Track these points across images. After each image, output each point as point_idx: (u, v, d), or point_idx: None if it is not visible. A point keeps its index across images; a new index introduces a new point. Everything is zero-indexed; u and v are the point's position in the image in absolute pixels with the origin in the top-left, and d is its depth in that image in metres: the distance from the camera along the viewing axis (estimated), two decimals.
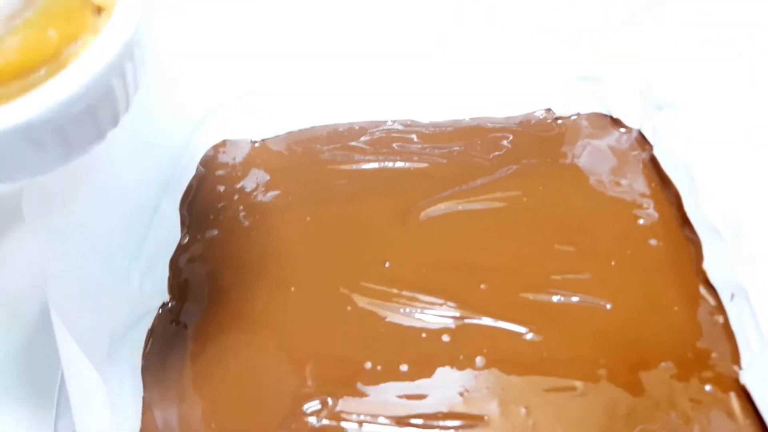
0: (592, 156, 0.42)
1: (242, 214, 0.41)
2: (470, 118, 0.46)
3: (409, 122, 0.47)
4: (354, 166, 0.44)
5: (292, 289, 0.36)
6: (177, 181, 0.41)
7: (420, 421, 0.30)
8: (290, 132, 0.47)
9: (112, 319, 0.31)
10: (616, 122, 0.44)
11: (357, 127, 0.47)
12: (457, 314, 0.34)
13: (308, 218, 0.40)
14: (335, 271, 0.37)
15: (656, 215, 0.38)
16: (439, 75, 0.45)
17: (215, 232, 0.40)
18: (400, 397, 0.31)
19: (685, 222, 0.36)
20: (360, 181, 0.43)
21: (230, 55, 0.44)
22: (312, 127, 0.47)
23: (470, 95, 0.46)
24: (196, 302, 0.36)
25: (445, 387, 0.31)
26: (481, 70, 0.44)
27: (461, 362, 0.32)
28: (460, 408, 0.30)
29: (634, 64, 0.41)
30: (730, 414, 0.29)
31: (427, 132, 0.46)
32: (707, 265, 0.34)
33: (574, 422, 0.29)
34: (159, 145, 0.40)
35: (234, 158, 0.45)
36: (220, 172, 0.44)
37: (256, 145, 0.47)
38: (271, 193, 0.42)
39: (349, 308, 0.35)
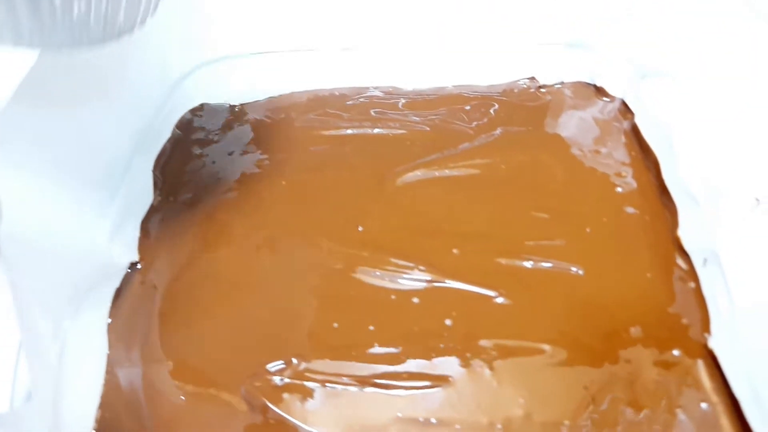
0: (574, 125, 0.42)
1: (217, 177, 0.41)
2: (453, 86, 0.46)
3: (391, 89, 0.46)
4: (333, 132, 0.43)
5: (264, 251, 0.36)
6: (152, 141, 0.41)
7: (384, 381, 0.30)
8: (270, 98, 0.47)
9: (74, 272, 0.30)
10: (600, 91, 0.43)
11: (338, 94, 0.46)
12: (428, 278, 0.33)
13: (283, 182, 0.40)
14: (308, 233, 0.36)
15: (634, 183, 0.37)
16: (423, 42, 0.45)
17: (189, 195, 0.40)
18: (366, 357, 0.30)
19: (662, 190, 0.36)
20: (338, 146, 0.42)
21: (211, 17, 0.44)
22: (292, 93, 0.47)
23: (454, 62, 0.45)
24: (166, 263, 0.36)
25: (411, 348, 0.31)
26: (465, 37, 0.44)
27: (429, 324, 0.31)
28: (426, 368, 0.30)
29: (619, 31, 0.40)
30: (697, 379, 0.28)
31: (409, 99, 0.45)
32: (682, 232, 0.33)
33: (540, 385, 0.29)
34: (134, 103, 0.39)
35: (211, 122, 0.45)
36: (196, 136, 0.43)
37: (236, 109, 0.46)
38: (247, 157, 0.42)
39: (320, 270, 0.34)
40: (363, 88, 0.46)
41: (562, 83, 0.44)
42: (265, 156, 0.42)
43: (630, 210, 0.36)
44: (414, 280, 0.33)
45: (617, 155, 0.39)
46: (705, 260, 0.31)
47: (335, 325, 0.32)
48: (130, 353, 0.32)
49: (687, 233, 0.33)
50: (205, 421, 0.29)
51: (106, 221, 0.34)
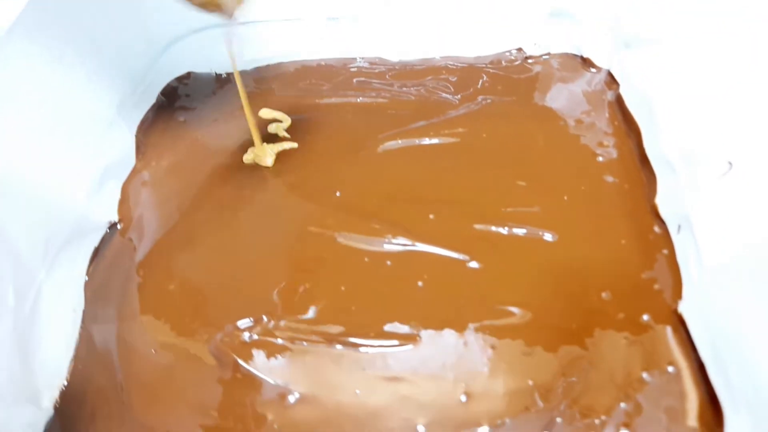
0: (561, 97, 0.41)
1: (200, 143, 0.41)
2: (441, 57, 0.46)
3: (377, 60, 0.46)
4: (317, 101, 0.43)
5: (240, 213, 0.36)
6: (137, 106, 0.41)
7: (352, 340, 0.30)
8: (257, 67, 0.47)
9: (50, 225, 0.31)
10: (586, 62, 0.42)
11: (324, 64, 0.46)
12: (403, 242, 0.33)
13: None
14: (285, 196, 0.36)
15: (615, 153, 0.37)
16: (410, 13, 0.44)
17: (170, 159, 0.40)
18: (335, 316, 0.31)
19: (643, 159, 0.35)
20: (321, 115, 0.42)
21: None
22: (279, 64, 0.47)
23: (440, 33, 0.45)
24: (145, 224, 0.36)
25: (381, 308, 0.31)
26: (451, 8, 0.43)
27: (400, 285, 0.31)
28: (394, 328, 0.30)
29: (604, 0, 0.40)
30: (665, 343, 0.28)
31: (395, 70, 0.45)
32: (660, 200, 0.33)
33: (506, 346, 0.29)
34: (121, 65, 0.39)
35: (197, 90, 0.45)
36: (180, 103, 0.44)
37: (222, 78, 0.46)
38: (230, 125, 0.42)
39: (295, 232, 0.35)
40: (350, 59, 0.46)
41: (549, 54, 0.44)
42: (249, 124, 0.42)
43: (609, 179, 0.35)
44: (388, 243, 0.33)
45: (600, 125, 0.38)
46: (679, 227, 0.31)
47: (306, 285, 0.32)
48: (105, 310, 0.33)
49: (664, 201, 0.33)
50: (175, 374, 0.30)
51: (86, 179, 0.35)
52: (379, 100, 0.42)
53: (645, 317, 0.29)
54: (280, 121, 0.42)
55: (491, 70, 0.44)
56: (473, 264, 0.32)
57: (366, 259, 0.33)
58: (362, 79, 0.44)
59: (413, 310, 0.31)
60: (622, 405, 0.27)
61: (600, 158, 0.37)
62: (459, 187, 0.36)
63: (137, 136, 0.40)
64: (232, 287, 0.33)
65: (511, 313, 0.30)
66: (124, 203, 0.37)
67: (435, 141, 0.39)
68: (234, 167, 0.39)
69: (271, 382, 0.29)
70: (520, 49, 0.44)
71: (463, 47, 0.45)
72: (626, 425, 0.26)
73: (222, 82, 0.45)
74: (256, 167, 0.39)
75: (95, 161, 0.36)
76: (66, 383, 0.30)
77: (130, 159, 0.39)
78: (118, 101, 0.38)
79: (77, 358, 0.31)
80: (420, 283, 0.32)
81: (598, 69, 0.42)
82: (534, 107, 0.41)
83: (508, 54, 0.45)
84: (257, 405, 0.28)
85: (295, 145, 0.40)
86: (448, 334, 0.30)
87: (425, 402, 0.28)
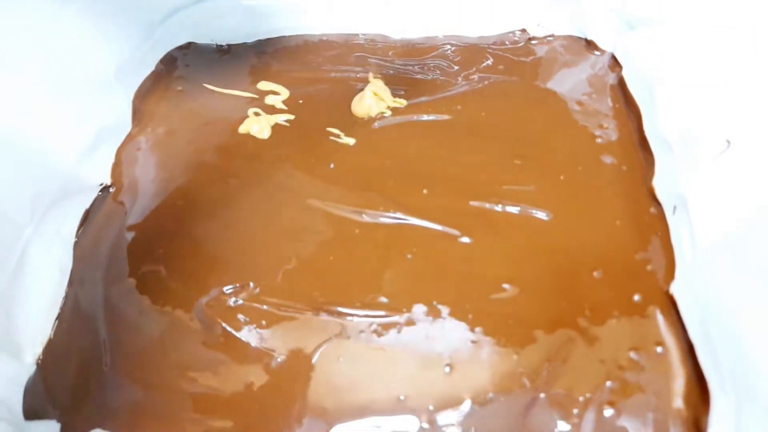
0: (562, 79, 0.41)
1: (196, 113, 0.41)
2: (443, 36, 0.45)
3: (379, 37, 0.45)
4: (317, 75, 0.43)
5: (233, 182, 0.36)
6: (136, 73, 0.41)
7: (339, 309, 0.29)
8: (259, 40, 0.46)
9: (40, 182, 0.31)
10: (590, 44, 0.42)
11: (326, 39, 0.46)
12: (395, 215, 0.33)
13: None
14: (279, 167, 0.36)
15: (615, 135, 0.36)
16: None
17: (166, 127, 0.40)
18: (322, 285, 0.30)
19: (642, 141, 0.35)
20: (320, 89, 0.42)
21: None
22: (280, 37, 0.46)
23: (445, 12, 0.44)
24: (137, 189, 0.36)
25: (369, 278, 0.30)
26: None
27: (389, 257, 0.31)
28: (380, 299, 0.30)
29: None
30: (654, 322, 0.28)
31: (397, 47, 0.45)
32: (657, 181, 0.32)
33: (493, 321, 0.29)
34: (121, 31, 0.39)
35: (196, 60, 0.44)
36: (179, 72, 0.43)
37: (223, 48, 0.46)
38: (228, 96, 0.42)
39: (287, 203, 0.34)
40: (352, 35, 0.46)
41: (553, 36, 0.43)
42: (246, 95, 0.42)
43: (608, 159, 0.35)
44: (380, 216, 0.33)
45: (601, 108, 0.38)
46: (675, 208, 0.30)
47: (296, 254, 0.32)
48: (93, 271, 0.32)
49: (661, 182, 0.32)
50: (159, 337, 0.30)
51: (78, 140, 0.34)
52: (378, 76, 0.42)
53: (636, 297, 0.29)
54: (278, 94, 0.41)
55: (494, 51, 0.43)
56: (465, 239, 0.32)
57: (357, 231, 0.33)
58: (363, 54, 0.44)
59: (401, 282, 0.30)
60: (608, 383, 0.27)
61: (599, 140, 0.36)
62: (454, 163, 0.36)
63: (134, 102, 0.40)
64: (221, 254, 0.32)
65: (501, 289, 0.30)
66: (117, 167, 0.37)
67: (432, 117, 0.39)
68: (230, 138, 0.39)
69: (255, 345, 0.29)
70: (523, 30, 0.44)
71: (467, 27, 0.44)
72: (611, 403, 0.26)
73: (222, 52, 0.45)
74: (251, 138, 0.38)
75: (89, 123, 0.35)
76: (49, 340, 0.30)
77: (125, 124, 0.39)
78: (119, 67, 0.38)
79: (62, 317, 0.31)
80: (409, 256, 0.31)
81: (602, 52, 0.41)
82: (536, 89, 0.40)
83: (511, 35, 0.44)
84: (240, 368, 0.28)
85: (291, 117, 0.39)
86: (434, 306, 0.29)
87: (408, 373, 0.28)
